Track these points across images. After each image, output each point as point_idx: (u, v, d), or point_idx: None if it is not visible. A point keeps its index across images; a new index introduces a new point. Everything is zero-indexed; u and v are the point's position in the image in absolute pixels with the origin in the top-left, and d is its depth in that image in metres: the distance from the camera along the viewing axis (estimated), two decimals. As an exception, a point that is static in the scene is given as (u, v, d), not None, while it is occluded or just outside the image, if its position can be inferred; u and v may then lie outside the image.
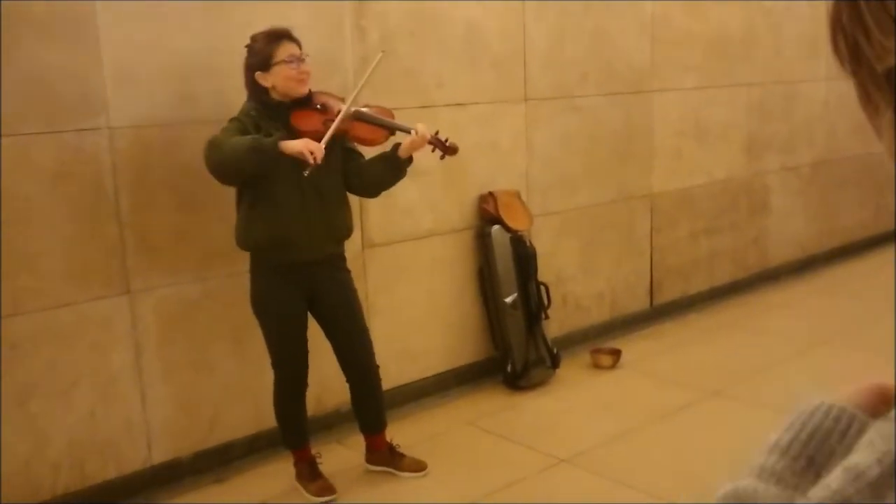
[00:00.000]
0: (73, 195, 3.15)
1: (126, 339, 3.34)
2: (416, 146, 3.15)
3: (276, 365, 3.31)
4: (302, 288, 3.20)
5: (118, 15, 3.19)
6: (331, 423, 3.89)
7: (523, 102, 4.55)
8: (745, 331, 5.21)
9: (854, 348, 4.50)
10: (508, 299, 4.33)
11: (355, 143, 3.27)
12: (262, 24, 3.55)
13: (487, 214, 4.34)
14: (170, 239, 3.40)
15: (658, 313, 5.38)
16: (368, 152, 3.32)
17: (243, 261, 3.59)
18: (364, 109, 3.24)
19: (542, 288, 4.46)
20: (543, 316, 4.46)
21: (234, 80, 3.49)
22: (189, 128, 3.39)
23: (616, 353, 4.63)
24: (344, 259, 3.33)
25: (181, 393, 3.50)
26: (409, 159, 3.19)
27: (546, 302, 4.46)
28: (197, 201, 3.44)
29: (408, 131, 3.17)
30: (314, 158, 2.88)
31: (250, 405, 3.67)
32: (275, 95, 3.09)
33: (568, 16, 4.74)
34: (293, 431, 3.41)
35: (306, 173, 2.92)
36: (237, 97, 3.50)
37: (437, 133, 3.27)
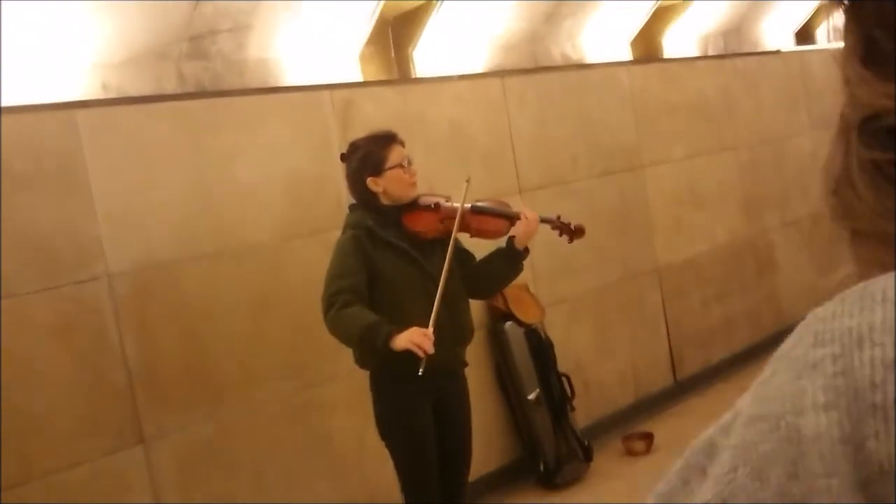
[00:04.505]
0: (77, 348, 3.06)
1: (144, 491, 3.19)
2: (530, 233, 3.00)
3: (411, 489, 3.00)
4: (430, 399, 2.97)
5: (107, 161, 3.16)
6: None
7: (518, 194, 4.52)
8: (774, 394, 5.05)
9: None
10: (531, 396, 4.19)
11: (478, 238, 3.11)
12: (250, 151, 3.55)
13: (498, 311, 4.25)
14: (179, 379, 3.30)
15: (683, 388, 5.23)
16: (488, 245, 3.17)
17: (257, 392, 3.48)
18: (482, 203, 3.11)
19: (564, 379, 4.34)
20: (569, 408, 4.32)
21: (228, 211, 3.46)
22: (188, 264, 3.33)
23: (648, 437, 4.47)
24: (466, 364, 3.15)
25: (206, 540, 3.33)
26: (527, 250, 3.03)
27: (570, 393, 4.33)
28: (202, 337, 3.36)
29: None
30: (423, 351, 2.68)
31: (279, 543, 3.50)
32: (384, 200, 2.95)
33: (549, 101, 4.76)
34: None
35: (420, 371, 2.69)
36: (234, 227, 3.47)
37: (559, 217, 3.15)
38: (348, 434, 3.73)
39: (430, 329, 2.72)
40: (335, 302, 2.78)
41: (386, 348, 2.71)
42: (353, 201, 3.05)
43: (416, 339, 2.69)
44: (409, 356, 2.72)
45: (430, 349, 2.68)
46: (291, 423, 3.58)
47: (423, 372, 2.73)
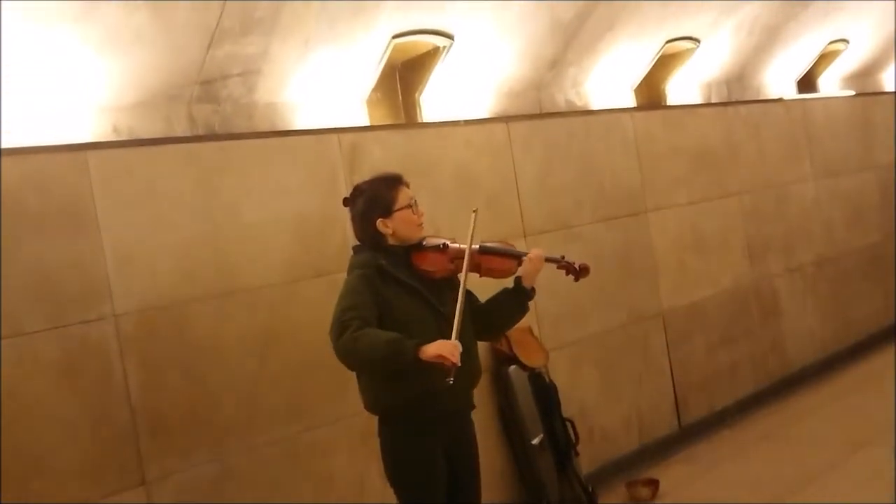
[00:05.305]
0: (82, 387, 3.06)
1: (144, 534, 3.16)
2: (537, 270, 3.03)
3: None
4: (441, 443, 2.92)
5: (117, 201, 3.19)
6: None
7: (522, 238, 4.54)
8: (780, 442, 5.02)
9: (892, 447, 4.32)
10: (535, 440, 4.17)
11: (487, 277, 3.09)
12: (258, 194, 3.58)
13: (502, 354, 4.25)
14: (182, 420, 3.29)
15: (688, 434, 5.20)
16: (496, 284, 3.14)
17: (259, 434, 3.47)
18: (489, 244, 3.10)
19: (568, 424, 4.32)
20: (574, 453, 4.29)
21: (235, 253, 3.48)
22: (194, 305, 3.34)
23: (653, 484, 4.43)
24: (474, 407, 3.11)
25: (206, 584, 3.30)
26: (533, 290, 3.05)
27: (574, 438, 4.31)
28: (206, 378, 3.36)
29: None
30: (452, 361, 2.65)
31: (280, 588, 3.46)
32: (392, 241, 2.95)
33: (554, 146, 4.81)
34: None
35: (451, 381, 2.66)
36: (240, 269, 3.48)
37: (563, 257, 3.15)
38: (350, 476, 3.71)
39: (455, 340, 2.70)
40: (349, 325, 2.72)
41: (415, 359, 2.67)
42: (357, 243, 3.03)
43: (445, 349, 2.66)
44: (429, 398, 2.73)
45: (458, 360, 2.65)
46: (293, 465, 3.56)
47: (437, 411, 2.71)
